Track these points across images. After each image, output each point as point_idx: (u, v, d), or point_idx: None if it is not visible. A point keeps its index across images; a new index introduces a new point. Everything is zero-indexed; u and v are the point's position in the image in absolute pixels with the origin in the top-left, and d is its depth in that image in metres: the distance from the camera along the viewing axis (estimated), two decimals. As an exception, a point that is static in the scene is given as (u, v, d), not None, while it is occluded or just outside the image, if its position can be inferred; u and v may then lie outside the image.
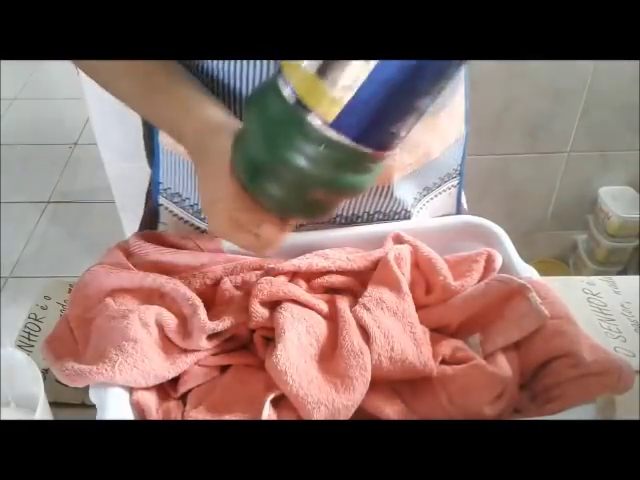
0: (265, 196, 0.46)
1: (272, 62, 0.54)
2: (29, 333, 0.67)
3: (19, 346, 0.66)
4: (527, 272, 0.59)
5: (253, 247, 0.51)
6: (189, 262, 0.60)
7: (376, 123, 0.40)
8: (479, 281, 0.59)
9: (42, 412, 0.48)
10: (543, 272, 0.59)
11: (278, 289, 0.56)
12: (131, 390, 0.50)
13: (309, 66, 0.40)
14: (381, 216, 0.68)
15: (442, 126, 0.67)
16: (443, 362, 0.53)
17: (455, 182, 0.74)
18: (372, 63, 0.38)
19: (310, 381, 0.49)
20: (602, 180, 1.64)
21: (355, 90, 0.39)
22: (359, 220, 0.67)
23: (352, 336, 0.52)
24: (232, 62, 0.55)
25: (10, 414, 0.53)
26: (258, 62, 0.55)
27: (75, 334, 0.54)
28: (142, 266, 0.58)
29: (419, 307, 0.57)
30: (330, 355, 0.53)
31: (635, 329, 0.68)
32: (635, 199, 1.61)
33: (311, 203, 0.46)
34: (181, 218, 0.69)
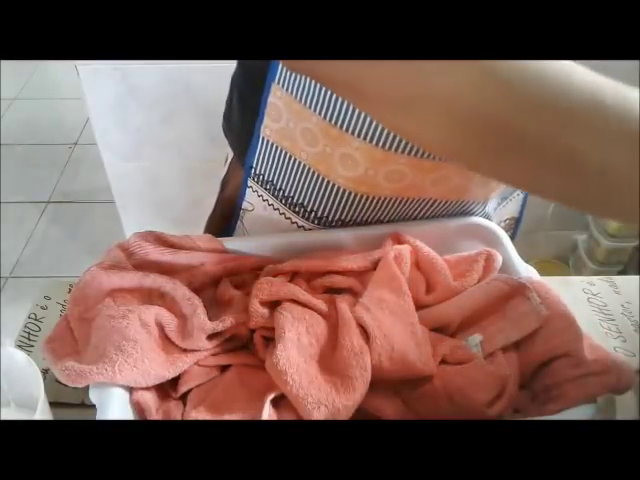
0: None
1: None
2: (29, 333, 0.67)
3: (19, 346, 0.66)
4: (527, 272, 0.59)
5: None
6: (189, 262, 0.60)
7: None
8: (479, 281, 0.59)
9: (42, 412, 0.48)
10: (543, 272, 0.59)
11: (278, 289, 0.56)
12: (131, 390, 0.50)
13: None
14: None
15: None
16: (443, 362, 0.53)
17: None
18: None
19: (310, 381, 0.49)
20: (602, 180, 1.64)
21: None
22: None
23: (352, 336, 0.52)
24: None
25: (10, 414, 0.53)
26: None
27: (75, 334, 0.54)
28: (142, 266, 0.58)
29: (419, 307, 0.57)
30: (330, 355, 0.53)
31: (635, 329, 0.68)
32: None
33: None
34: (271, 204, 0.68)
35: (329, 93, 0.56)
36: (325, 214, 0.65)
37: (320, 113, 0.57)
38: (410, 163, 0.58)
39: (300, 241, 0.64)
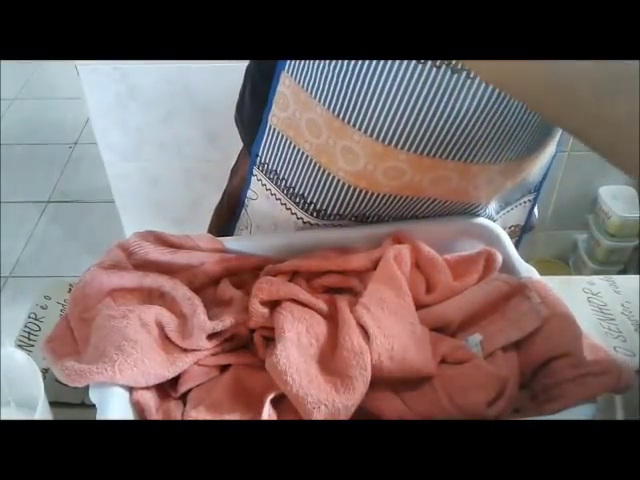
0: None
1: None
2: (29, 333, 0.67)
3: (19, 346, 0.66)
4: (527, 272, 0.59)
5: None
6: (189, 262, 0.60)
7: None
8: (479, 281, 0.59)
9: (42, 412, 0.48)
10: (543, 272, 0.59)
11: (278, 289, 0.56)
12: (131, 390, 0.50)
13: None
14: None
15: (546, 152, 0.68)
16: (443, 362, 0.53)
17: (532, 197, 0.75)
18: None
19: (310, 381, 0.49)
20: (602, 180, 1.64)
21: None
22: None
23: (352, 336, 0.52)
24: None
25: (10, 414, 0.53)
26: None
27: (75, 334, 0.54)
28: (142, 266, 0.58)
29: (419, 307, 0.57)
30: (330, 355, 0.53)
31: (635, 329, 0.68)
32: (635, 199, 1.61)
33: None
34: (273, 194, 0.69)
35: (335, 84, 0.57)
36: (324, 207, 0.65)
37: (325, 104, 0.58)
38: (409, 160, 0.58)
39: (300, 241, 0.64)
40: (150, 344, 0.51)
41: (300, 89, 0.60)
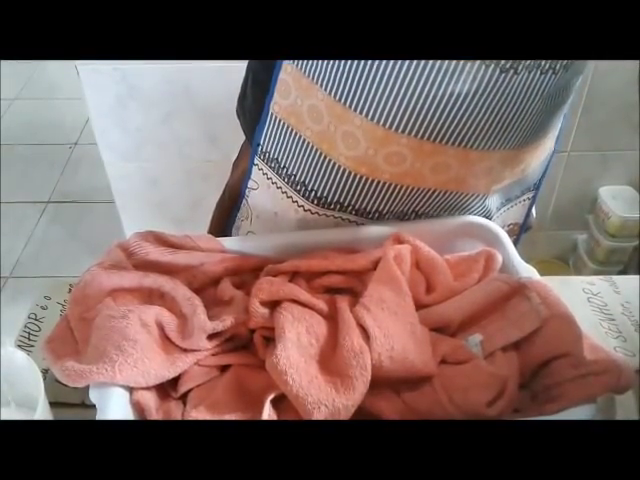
0: None
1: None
2: (29, 333, 0.67)
3: (19, 346, 0.66)
4: (527, 272, 0.59)
5: None
6: (189, 262, 0.60)
7: None
8: (479, 281, 0.59)
9: (42, 412, 0.48)
10: (543, 272, 0.59)
11: (278, 289, 0.56)
12: (131, 390, 0.50)
13: None
14: None
15: (545, 145, 0.69)
16: (443, 362, 0.53)
17: (531, 195, 0.76)
18: None
19: (310, 381, 0.49)
20: (602, 180, 1.64)
21: None
22: None
23: (352, 336, 0.52)
24: None
25: (10, 414, 0.53)
26: None
27: (75, 334, 0.54)
28: (142, 266, 0.58)
29: (419, 307, 0.57)
30: (330, 355, 0.53)
31: (635, 329, 0.68)
32: (635, 199, 1.61)
33: None
34: (274, 182, 0.69)
35: (336, 69, 0.58)
36: (325, 194, 0.65)
37: (326, 89, 0.59)
38: (410, 145, 0.59)
39: (300, 241, 0.64)
40: (150, 344, 0.51)
41: (302, 75, 0.61)
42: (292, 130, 0.64)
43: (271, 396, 0.50)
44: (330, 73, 0.58)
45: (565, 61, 0.55)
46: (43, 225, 2.08)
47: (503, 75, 0.54)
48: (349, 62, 0.56)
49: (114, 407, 0.48)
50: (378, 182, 0.63)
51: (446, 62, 0.53)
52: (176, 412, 0.51)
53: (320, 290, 0.60)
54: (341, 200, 0.65)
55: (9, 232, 2.01)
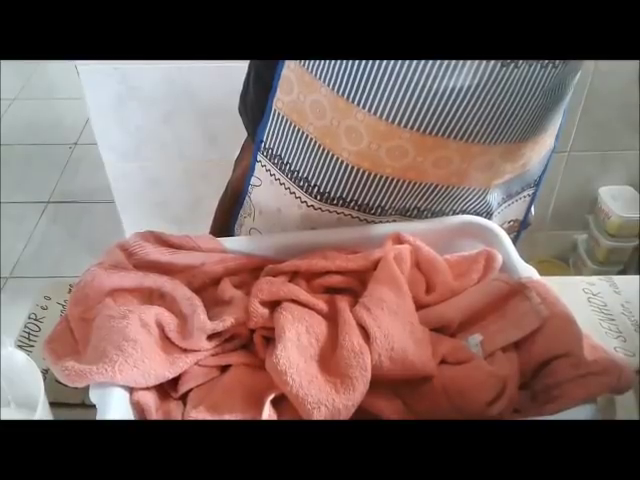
0: None
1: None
2: (29, 333, 0.67)
3: (19, 346, 0.66)
4: (527, 272, 0.59)
5: None
6: (189, 262, 0.60)
7: None
8: (479, 281, 0.59)
9: (42, 412, 0.48)
10: (543, 272, 0.59)
11: (278, 289, 0.56)
12: (131, 390, 0.50)
13: None
14: None
15: (545, 141, 0.69)
16: (443, 362, 0.53)
17: (531, 191, 0.76)
18: None
19: (310, 381, 0.49)
20: (602, 180, 1.64)
21: None
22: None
23: (352, 336, 0.52)
24: None
25: (10, 414, 0.53)
26: None
27: (75, 334, 0.54)
28: (142, 266, 0.58)
29: (419, 307, 0.57)
30: (330, 355, 0.53)
31: (635, 329, 0.68)
32: (635, 199, 1.61)
33: None
34: (277, 178, 0.70)
35: (339, 65, 0.58)
36: (327, 189, 0.66)
37: (329, 84, 0.59)
38: (412, 139, 0.59)
39: (300, 241, 0.64)
40: (150, 344, 0.51)
41: (304, 71, 0.61)
42: (295, 126, 0.65)
43: (271, 396, 0.50)
44: (333, 69, 0.59)
45: None
46: (43, 225, 2.08)
47: (504, 69, 0.54)
48: None
49: (114, 407, 0.48)
50: (381, 177, 0.63)
51: None
52: (176, 412, 0.51)
53: (320, 290, 0.60)
54: (344, 195, 0.66)
55: (9, 232, 2.01)
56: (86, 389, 0.49)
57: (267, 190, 0.71)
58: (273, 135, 0.68)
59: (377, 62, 0.56)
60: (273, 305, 0.56)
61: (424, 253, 0.60)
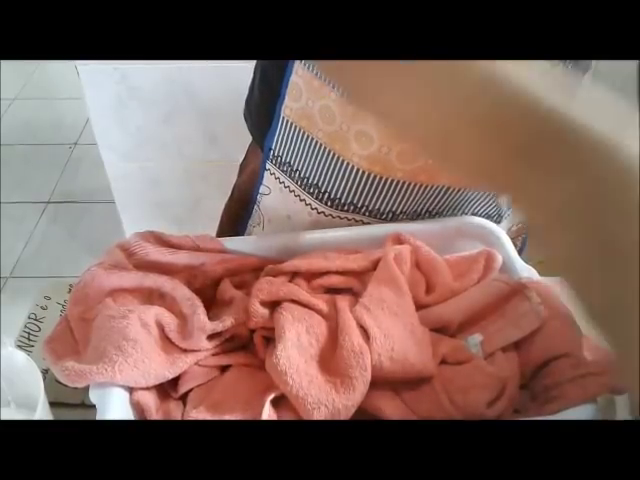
0: None
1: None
2: (29, 333, 0.67)
3: (19, 346, 0.66)
4: (527, 272, 0.59)
5: None
6: (189, 262, 0.60)
7: None
8: (479, 281, 0.59)
9: (42, 412, 0.48)
10: (543, 272, 0.59)
11: (278, 289, 0.56)
12: (131, 390, 0.50)
13: None
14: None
15: None
16: (443, 362, 0.53)
17: None
18: None
19: (310, 381, 0.49)
20: (602, 180, 1.64)
21: None
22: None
23: (352, 336, 0.52)
24: None
25: (10, 414, 0.54)
26: None
27: (75, 334, 0.54)
28: (142, 266, 0.58)
29: (419, 307, 0.57)
30: (330, 355, 0.53)
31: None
32: (635, 199, 1.61)
33: None
34: (287, 186, 0.69)
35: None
36: (338, 195, 0.66)
37: (339, 89, 0.59)
38: None
39: (300, 241, 0.64)
40: (150, 344, 0.51)
41: (313, 77, 0.61)
42: (304, 133, 0.64)
43: (271, 396, 0.50)
44: None
45: None
46: (43, 225, 2.08)
47: None
48: None
49: (114, 407, 0.48)
50: (392, 181, 0.63)
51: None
52: (176, 412, 0.51)
53: (320, 290, 0.60)
54: (355, 201, 0.65)
55: (9, 232, 2.01)
56: (86, 389, 0.49)
57: (276, 198, 0.71)
58: (282, 142, 0.67)
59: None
60: (273, 305, 0.56)
61: (424, 253, 0.60)
